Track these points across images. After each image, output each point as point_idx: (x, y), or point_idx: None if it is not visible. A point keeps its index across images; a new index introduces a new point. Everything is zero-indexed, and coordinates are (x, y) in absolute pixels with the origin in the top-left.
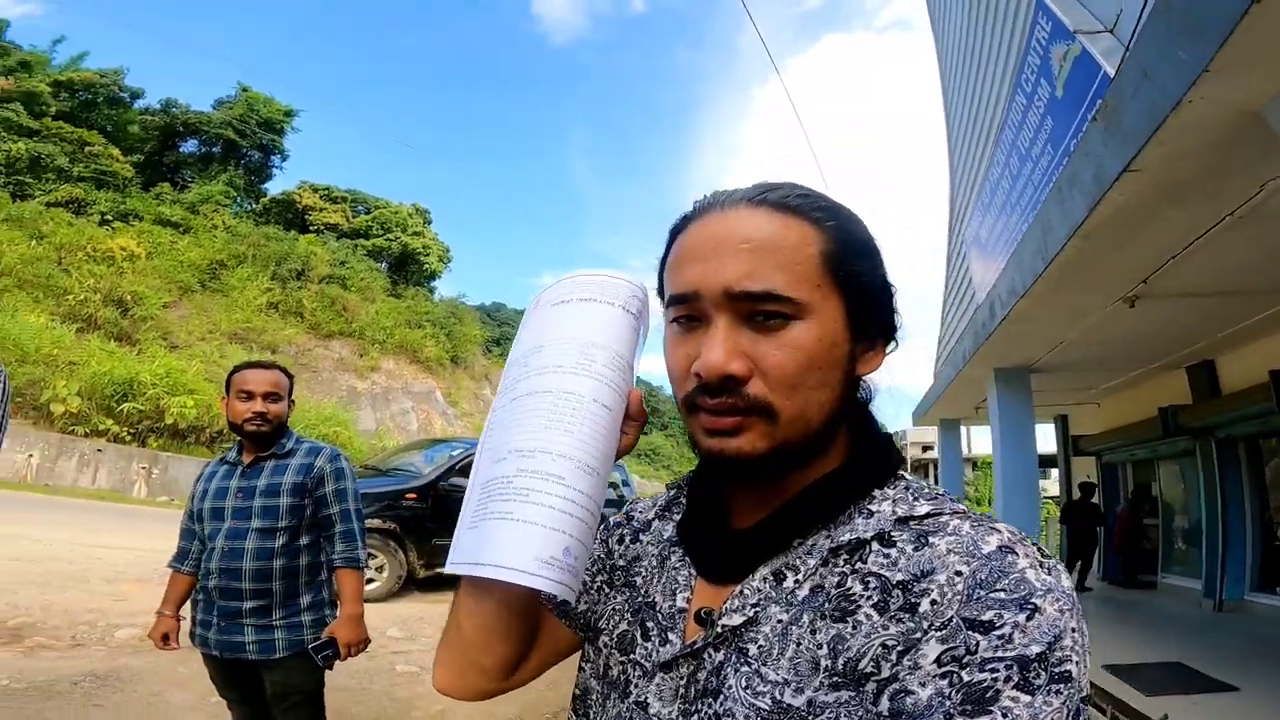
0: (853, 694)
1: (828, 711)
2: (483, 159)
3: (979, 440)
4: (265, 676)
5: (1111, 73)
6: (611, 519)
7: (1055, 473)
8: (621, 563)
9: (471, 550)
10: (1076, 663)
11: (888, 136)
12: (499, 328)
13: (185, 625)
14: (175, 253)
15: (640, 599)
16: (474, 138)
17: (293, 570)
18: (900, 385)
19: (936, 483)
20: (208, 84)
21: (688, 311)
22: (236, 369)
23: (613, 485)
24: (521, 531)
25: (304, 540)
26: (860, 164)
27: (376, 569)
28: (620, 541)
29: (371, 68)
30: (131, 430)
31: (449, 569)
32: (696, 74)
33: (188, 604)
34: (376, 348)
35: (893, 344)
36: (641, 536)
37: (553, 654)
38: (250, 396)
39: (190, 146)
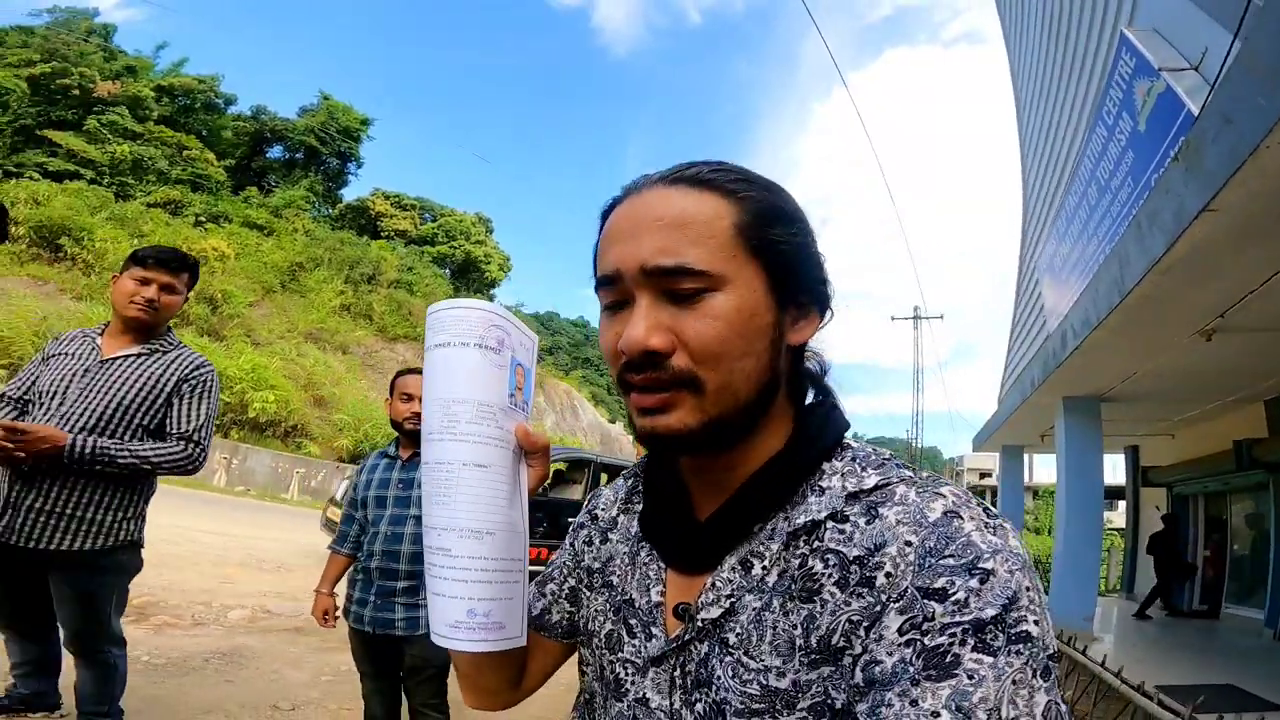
0: (833, 668)
1: (814, 688)
2: (544, 167)
3: (1040, 469)
4: (406, 650)
5: (1195, 110)
6: (576, 520)
7: (1122, 505)
8: (596, 565)
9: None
10: (1035, 621)
11: (955, 153)
12: (551, 337)
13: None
14: (260, 254)
15: (619, 597)
16: (536, 147)
17: None
18: (959, 410)
19: (996, 506)
20: (290, 90)
21: (614, 295)
22: (400, 374)
23: None
24: (432, 603)
25: None
26: (926, 181)
27: None
28: (589, 543)
29: (441, 78)
30: (217, 422)
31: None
32: (755, 87)
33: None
34: None
35: (828, 313)
36: (610, 535)
37: (549, 663)
38: (410, 398)
39: (276, 152)
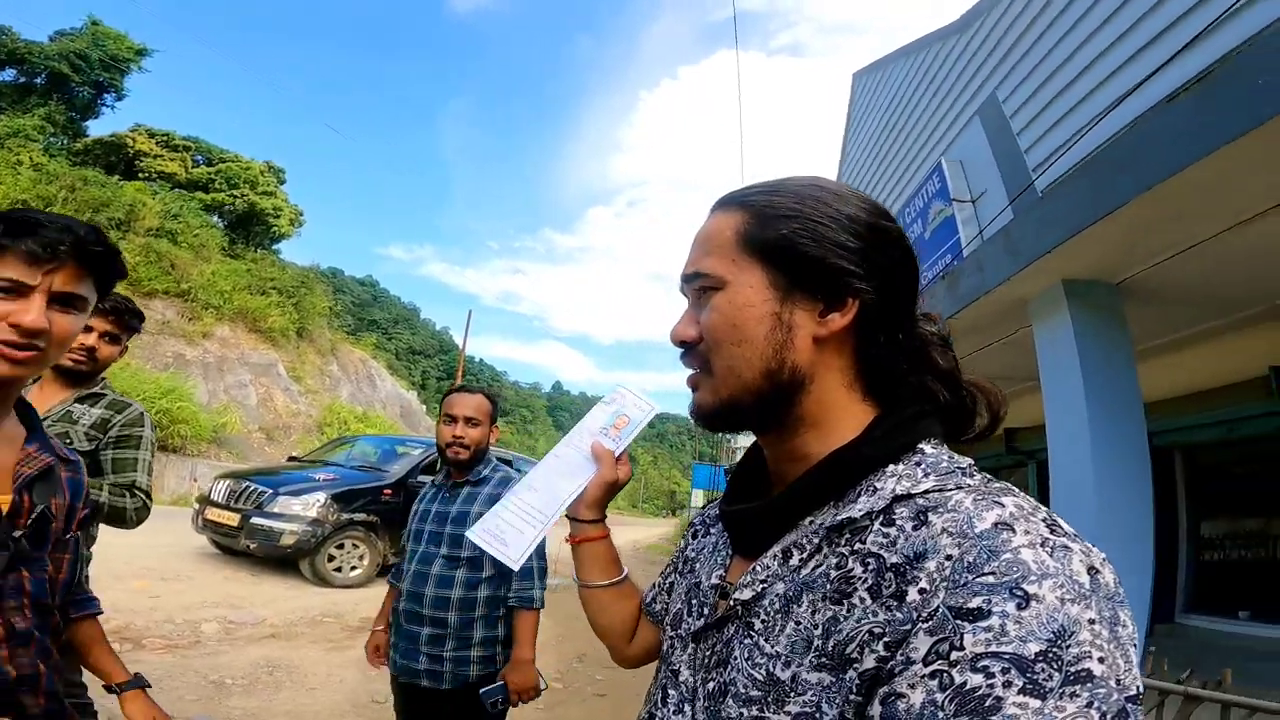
0: (833, 679)
1: (809, 692)
2: (354, 119)
3: None
4: (440, 708)
5: (963, 239)
6: (693, 518)
7: None
8: (692, 554)
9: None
10: (1101, 659)
11: (761, 159)
12: (335, 295)
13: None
14: None
15: (693, 580)
16: (347, 94)
17: (469, 603)
18: None
19: None
20: (69, 13)
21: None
22: (447, 393)
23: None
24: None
25: (485, 573)
26: (733, 179)
27: (359, 558)
28: (695, 536)
29: (258, 11)
30: None
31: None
32: (591, 65)
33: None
34: (211, 312)
35: (864, 298)
36: (711, 530)
37: (656, 643)
38: (453, 420)
39: (7, 76)
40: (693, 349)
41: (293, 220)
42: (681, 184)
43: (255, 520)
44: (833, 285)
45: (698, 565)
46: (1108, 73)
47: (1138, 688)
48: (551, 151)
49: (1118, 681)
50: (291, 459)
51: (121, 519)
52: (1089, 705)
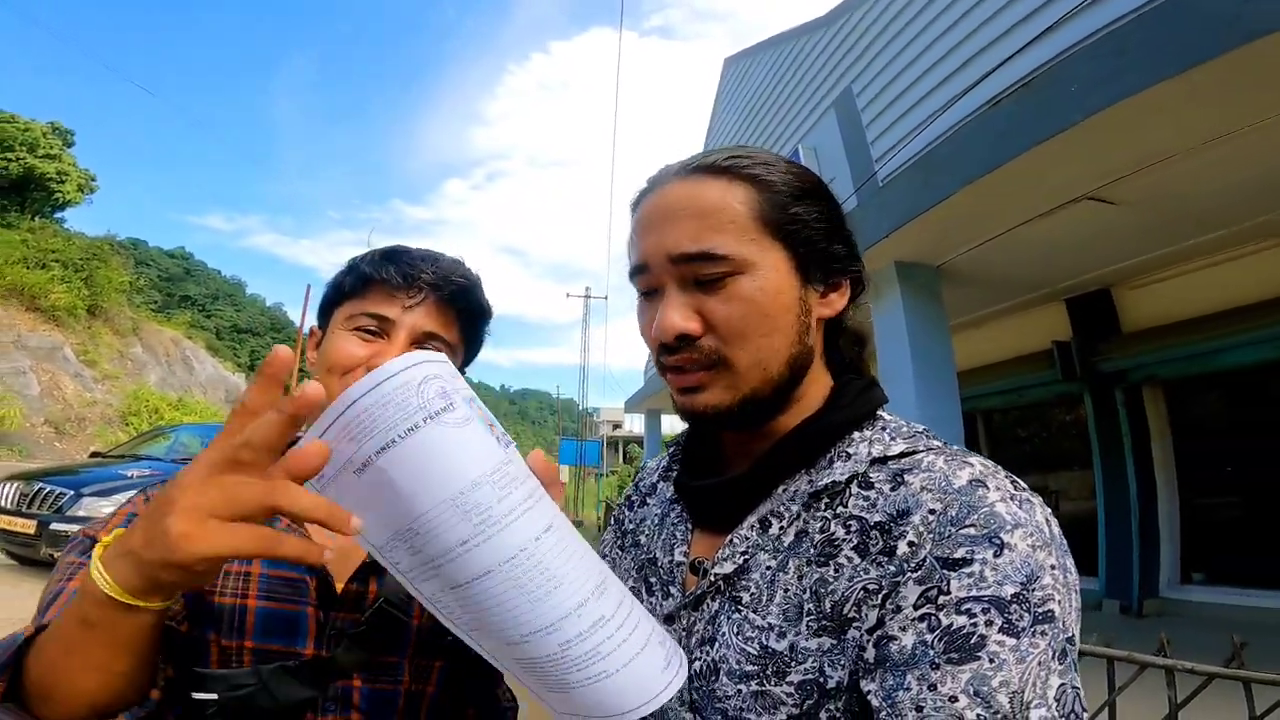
0: (835, 642)
1: (810, 659)
2: (170, 78)
3: (677, 425)
4: None
5: None
6: (625, 491)
7: None
8: (630, 527)
9: (598, 705)
10: (1059, 601)
11: (632, 136)
12: (137, 268)
13: None
14: None
15: (643, 556)
16: (166, 53)
17: None
18: (611, 366)
19: (627, 460)
20: None
21: (646, 283)
22: None
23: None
24: (632, 671)
25: None
26: (601, 154)
27: None
28: (630, 508)
29: None
30: None
31: None
32: (456, 30)
33: None
34: None
35: (860, 285)
36: (648, 500)
37: None
38: None
39: None
40: (692, 343)
41: (82, 186)
42: (545, 160)
43: (57, 526)
44: (833, 266)
45: (642, 539)
46: (946, 74)
47: (1074, 630)
48: (406, 120)
49: (1064, 624)
50: (94, 455)
51: None
52: (1050, 644)
